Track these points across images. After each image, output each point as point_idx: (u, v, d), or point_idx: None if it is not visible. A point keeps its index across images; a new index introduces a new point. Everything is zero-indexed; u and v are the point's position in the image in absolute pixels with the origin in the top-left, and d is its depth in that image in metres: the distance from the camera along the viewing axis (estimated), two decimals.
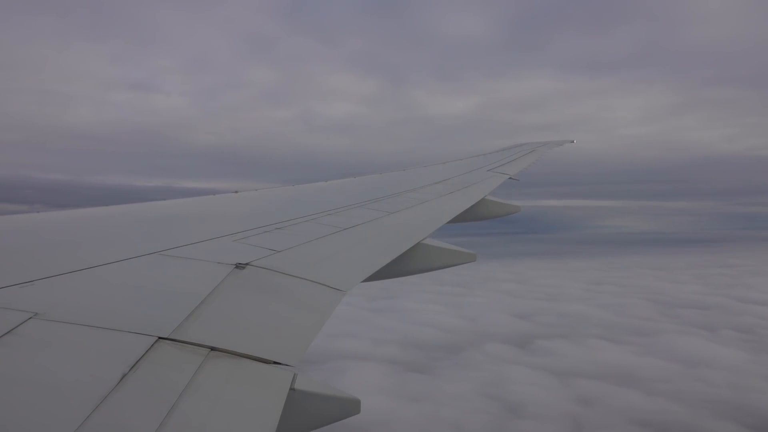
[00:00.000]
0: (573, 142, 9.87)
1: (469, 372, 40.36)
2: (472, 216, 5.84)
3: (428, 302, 70.12)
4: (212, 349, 2.37)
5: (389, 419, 30.43)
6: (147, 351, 2.21)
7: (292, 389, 2.29)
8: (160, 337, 2.33)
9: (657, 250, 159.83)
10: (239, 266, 3.30)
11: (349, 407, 2.52)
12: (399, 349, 47.24)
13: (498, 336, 51.73)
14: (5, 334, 2.17)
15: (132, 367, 2.08)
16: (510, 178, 7.08)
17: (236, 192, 5.87)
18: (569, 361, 42.43)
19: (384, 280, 4.35)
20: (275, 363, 2.43)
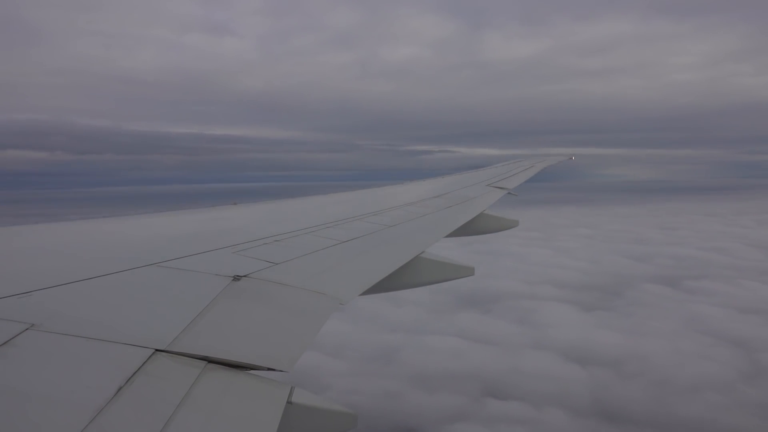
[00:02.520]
0: (572, 158, 10.09)
1: (653, 310, 41.11)
2: (471, 230, 5.90)
3: (531, 247, 71.10)
4: (208, 360, 2.38)
5: (631, 356, 30.92)
6: (144, 363, 2.21)
7: (288, 402, 2.29)
8: (156, 350, 2.34)
9: (671, 198, 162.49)
10: (237, 278, 3.32)
11: (346, 421, 2.55)
12: (557, 289, 48.02)
13: (644, 277, 52.65)
14: (2, 345, 2.17)
15: (128, 379, 2.08)
16: (509, 192, 7.11)
17: (235, 204, 5.93)
18: (745, 299, 43.29)
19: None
20: (269, 369, 2.45)
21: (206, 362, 2.37)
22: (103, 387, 2.01)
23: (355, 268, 4.07)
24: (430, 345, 33.07)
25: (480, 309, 42.07)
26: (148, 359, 2.26)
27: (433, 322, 38.18)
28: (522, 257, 63.44)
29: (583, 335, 34.68)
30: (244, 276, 3.39)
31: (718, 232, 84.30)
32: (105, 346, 2.34)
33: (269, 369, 2.45)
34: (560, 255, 65.29)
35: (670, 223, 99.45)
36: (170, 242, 4.27)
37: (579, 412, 24.49)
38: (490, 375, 28.42)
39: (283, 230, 4.64)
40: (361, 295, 3.64)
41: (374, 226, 5.15)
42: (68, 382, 2.06)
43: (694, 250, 66.51)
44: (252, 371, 2.45)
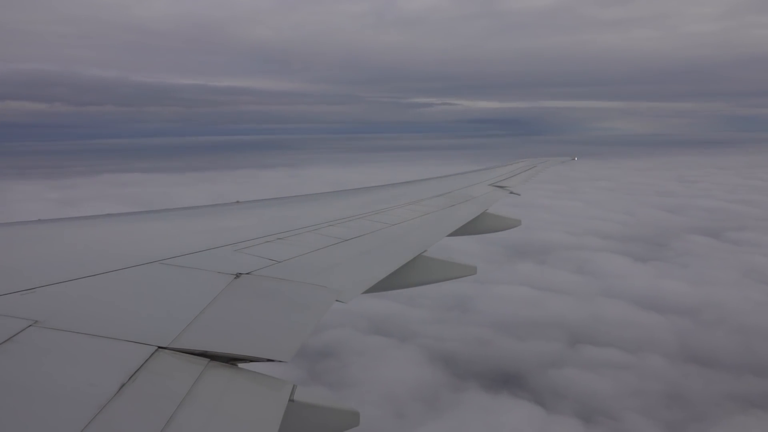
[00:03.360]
0: (574, 159, 10.15)
1: (707, 260, 41.45)
2: (473, 229, 5.92)
3: (560, 199, 71.24)
4: (207, 354, 2.40)
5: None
6: (146, 360, 2.23)
7: (291, 401, 2.31)
8: (159, 347, 2.35)
9: (676, 152, 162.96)
10: (239, 276, 3.34)
11: (349, 419, 2.55)
12: (603, 240, 48.25)
13: (683, 228, 53.00)
14: (5, 341, 2.18)
15: (131, 376, 2.09)
16: (511, 192, 7.22)
17: (237, 202, 5.91)
18: None
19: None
20: (268, 360, 2.47)
21: (209, 360, 2.37)
22: (105, 384, 2.01)
23: (358, 267, 4.09)
24: (501, 294, 33.27)
25: (534, 260, 42.27)
26: (150, 356, 2.26)
27: (495, 272, 38.36)
28: (555, 210, 63.53)
29: (649, 285, 34.98)
30: (246, 274, 3.40)
31: (739, 185, 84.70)
32: (108, 343, 2.34)
33: (268, 360, 2.45)
34: (592, 207, 65.49)
35: (687, 176, 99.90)
36: (173, 240, 4.30)
37: (673, 358, 24.84)
38: (573, 323, 28.69)
39: (285, 228, 4.63)
40: (363, 293, 3.64)
41: (377, 225, 5.15)
42: (71, 379, 2.06)
43: (723, 203, 66.86)
44: (252, 363, 2.46)
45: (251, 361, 2.47)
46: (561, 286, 35.13)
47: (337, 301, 3.38)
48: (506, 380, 22.74)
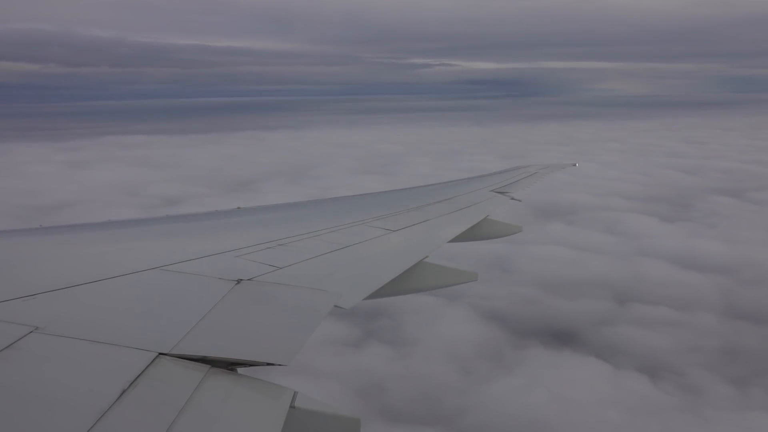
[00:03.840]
0: (575, 165, 10.23)
1: (734, 220, 41.71)
2: (475, 235, 5.97)
3: (573, 160, 71.22)
4: (207, 359, 2.42)
5: None
6: (147, 366, 2.24)
7: (292, 407, 2.31)
8: (160, 353, 2.36)
9: (675, 113, 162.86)
10: (240, 282, 3.35)
11: (349, 426, 2.55)
12: (626, 201, 48.42)
13: (702, 189, 53.24)
14: (6, 347, 2.20)
15: (132, 382, 2.10)
16: (512, 198, 7.24)
17: (239, 208, 5.96)
18: None
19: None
20: (268, 364, 2.49)
21: (209, 366, 2.38)
22: (106, 390, 2.02)
23: (359, 273, 4.09)
24: (539, 254, 33.44)
25: (563, 220, 42.41)
26: (151, 362, 2.27)
27: (527, 233, 38.48)
28: (572, 171, 63.42)
29: (682, 245, 35.24)
30: (248, 280, 3.40)
31: (748, 146, 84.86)
32: (109, 349, 2.35)
33: (268, 364, 2.46)
34: (607, 169, 65.54)
35: (693, 137, 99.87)
36: (174, 246, 4.30)
37: (723, 315, 25.17)
38: (616, 282, 28.93)
39: (286, 234, 4.62)
40: (364, 299, 3.63)
41: (378, 231, 5.13)
42: (72, 385, 2.08)
43: (738, 164, 67.02)
44: (252, 367, 2.47)
45: (252, 365, 2.47)
46: (595, 246, 35.34)
47: (337, 306, 3.36)
48: (564, 338, 23.00)
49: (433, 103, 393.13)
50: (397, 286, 4.15)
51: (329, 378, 19.30)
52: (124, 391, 2.03)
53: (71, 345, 2.34)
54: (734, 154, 75.59)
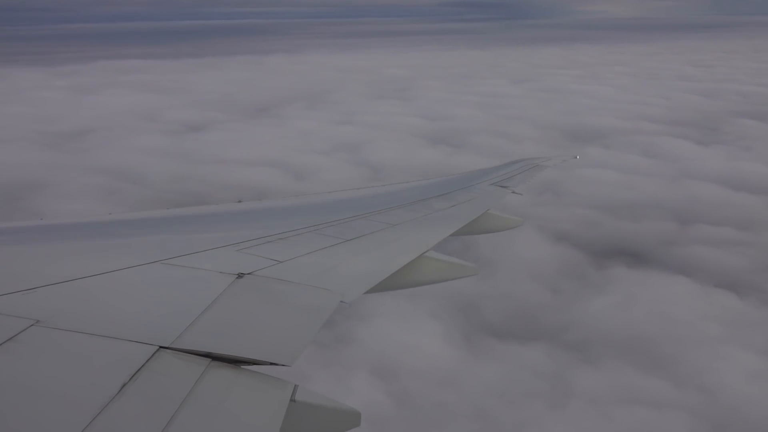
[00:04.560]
0: (576, 157, 10.06)
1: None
2: (475, 229, 6.00)
3: (588, 84, 70.81)
4: (211, 356, 2.43)
5: None
6: (148, 360, 2.25)
7: (292, 401, 2.33)
8: (161, 347, 2.38)
9: (667, 36, 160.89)
10: (241, 276, 3.37)
11: (350, 419, 2.58)
12: (654, 124, 48.49)
13: (725, 112, 53.33)
14: (7, 341, 2.21)
15: (132, 376, 2.12)
16: (513, 192, 7.29)
17: (239, 201, 6.05)
18: None
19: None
20: (272, 364, 2.50)
21: (210, 359, 2.38)
22: (107, 383, 2.03)
23: (360, 267, 4.10)
24: (587, 177, 33.66)
25: (598, 144, 42.47)
26: (152, 356, 2.28)
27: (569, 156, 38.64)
28: (590, 95, 63.26)
29: (724, 166, 35.61)
30: (248, 274, 3.41)
31: (758, 69, 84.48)
32: (109, 342, 2.36)
33: (271, 363, 2.47)
34: (625, 92, 65.34)
35: (699, 60, 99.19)
36: (174, 240, 4.32)
37: None
38: (672, 203, 29.31)
39: (286, 228, 4.59)
40: (365, 293, 3.67)
41: (378, 225, 5.10)
42: (73, 378, 2.08)
43: (752, 87, 66.88)
44: (255, 366, 2.49)
45: (254, 363, 2.48)
46: (639, 169, 35.63)
47: (342, 302, 3.37)
48: (641, 257, 23.47)
49: (421, 26, 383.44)
50: (397, 280, 4.15)
51: (428, 298, 19.62)
52: (125, 385, 2.04)
53: (72, 338, 2.34)
54: (745, 78, 75.41)
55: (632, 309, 19.24)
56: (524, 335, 18.32)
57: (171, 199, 30.65)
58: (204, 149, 41.25)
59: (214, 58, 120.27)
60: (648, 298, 19.84)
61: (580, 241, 25.18)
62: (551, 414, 14.73)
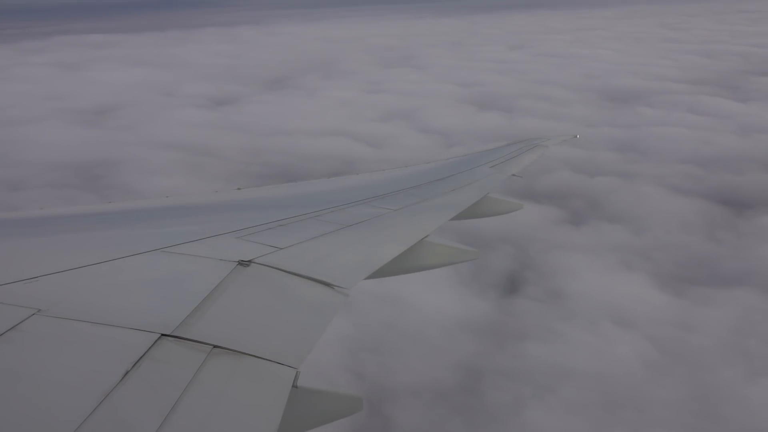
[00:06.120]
0: (576, 137, 10.80)
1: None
2: (475, 213, 6.00)
3: (591, 48, 71.10)
4: (215, 346, 2.44)
5: None
6: (150, 348, 2.26)
7: (294, 386, 2.36)
8: (162, 334, 2.38)
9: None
10: (242, 263, 3.38)
11: (352, 405, 2.64)
12: (677, 84, 49.24)
13: (732, 72, 54.81)
14: (9, 330, 2.22)
15: (135, 363, 2.14)
16: (513, 175, 7.34)
17: (239, 189, 6.13)
18: None
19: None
20: (277, 363, 2.51)
21: (212, 346, 2.41)
22: (109, 371, 2.06)
23: (360, 253, 4.11)
24: (663, 134, 34.31)
25: (639, 103, 43.22)
26: (154, 344, 2.30)
27: (619, 116, 39.33)
28: (595, 58, 64.20)
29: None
30: (249, 261, 3.42)
31: (732, 31, 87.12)
32: (111, 330, 2.38)
33: (277, 363, 2.50)
34: (627, 55, 66.36)
35: (669, 24, 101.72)
36: (174, 227, 4.33)
37: None
38: (757, 156, 30.12)
39: (286, 215, 4.59)
40: (365, 279, 3.73)
41: (378, 210, 5.13)
42: (75, 366, 2.12)
43: (748, 47, 68.38)
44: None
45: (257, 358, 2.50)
46: (699, 125, 36.47)
47: (339, 289, 3.40)
48: (746, 205, 24.20)
49: None
50: (398, 266, 4.19)
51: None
52: (127, 372, 2.06)
53: (74, 327, 2.35)
54: (728, 38, 77.75)
55: None
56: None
57: (258, 171, 29.58)
58: (256, 121, 39.83)
59: (179, 31, 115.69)
60: None
61: (691, 192, 25.72)
62: None
